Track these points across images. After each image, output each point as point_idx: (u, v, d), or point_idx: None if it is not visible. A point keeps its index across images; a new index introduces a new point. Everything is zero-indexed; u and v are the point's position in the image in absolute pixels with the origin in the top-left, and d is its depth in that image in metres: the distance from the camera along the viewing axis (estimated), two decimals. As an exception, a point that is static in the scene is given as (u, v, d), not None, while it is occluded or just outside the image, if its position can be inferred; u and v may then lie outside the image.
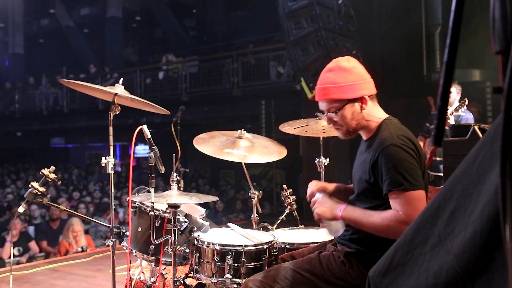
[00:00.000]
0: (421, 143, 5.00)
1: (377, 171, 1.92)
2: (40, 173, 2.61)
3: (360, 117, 2.02)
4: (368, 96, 2.01)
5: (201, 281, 2.56)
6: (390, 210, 1.87)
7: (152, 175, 2.46)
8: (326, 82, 2.02)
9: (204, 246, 2.48)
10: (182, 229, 2.52)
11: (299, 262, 2.12)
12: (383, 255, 1.92)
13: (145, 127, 2.48)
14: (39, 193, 2.58)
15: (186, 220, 2.59)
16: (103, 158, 2.58)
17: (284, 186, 3.16)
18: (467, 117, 4.58)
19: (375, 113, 2.04)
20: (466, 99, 4.45)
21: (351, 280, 1.99)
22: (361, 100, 2.00)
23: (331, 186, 2.26)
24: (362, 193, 2.04)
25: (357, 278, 1.98)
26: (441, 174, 4.71)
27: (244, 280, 2.27)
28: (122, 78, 2.80)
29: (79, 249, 6.22)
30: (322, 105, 2.07)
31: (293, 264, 2.13)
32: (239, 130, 2.98)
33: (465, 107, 4.50)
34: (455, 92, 4.77)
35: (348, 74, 1.99)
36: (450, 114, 4.47)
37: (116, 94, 2.62)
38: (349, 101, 1.99)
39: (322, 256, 2.10)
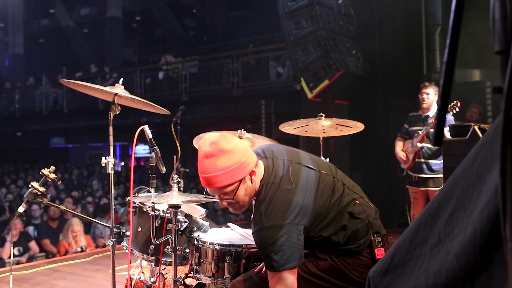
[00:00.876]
0: (400, 144, 4.95)
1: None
2: (40, 173, 2.61)
3: (252, 189, 2.00)
4: (255, 166, 1.99)
5: (201, 281, 2.56)
6: None
7: (153, 175, 2.47)
8: (212, 170, 1.93)
9: (204, 246, 2.48)
10: (182, 229, 2.53)
11: None
12: (352, 246, 1.98)
13: (146, 127, 2.48)
14: (39, 193, 2.58)
15: (186, 220, 2.59)
16: (103, 158, 2.58)
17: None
18: (449, 118, 4.55)
19: (259, 175, 2.02)
20: (457, 100, 4.41)
21: (336, 271, 2.02)
22: (251, 174, 1.97)
23: None
24: None
25: (340, 269, 2.01)
26: (424, 176, 4.73)
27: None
28: (122, 78, 2.80)
29: (78, 249, 6.22)
30: (214, 191, 2.02)
31: None
32: (239, 130, 2.98)
33: (457, 109, 4.47)
34: (432, 93, 4.78)
35: (232, 155, 1.93)
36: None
37: (116, 94, 2.62)
38: (241, 181, 1.96)
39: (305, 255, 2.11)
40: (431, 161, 4.72)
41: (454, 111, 4.47)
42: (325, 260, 2.04)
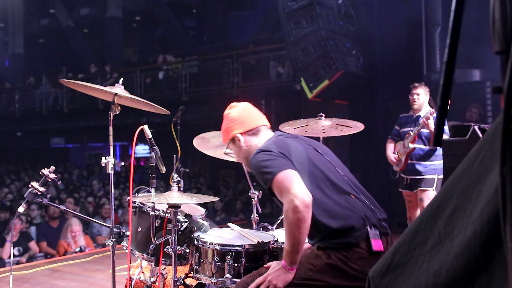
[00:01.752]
0: (391, 146, 4.86)
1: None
2: (40, 173, 2.61)
3: (244, 151, 2.31)
4: (242, 133, 2.29)
5: (201, 281, 2.56)
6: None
7: (153, 175, 2.47)
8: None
9: (204, 246, 2.48)
10: (182, 229, 2.53)
11: None
12: (350, 238, 1.99)
13: (146, 127, 2.49)
14: (39, 193, 2.58)
15: (186, 220, 2.59)
16: (103, 158, 2.58)
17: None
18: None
19: (257, 142, 2.28)
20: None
21: (332, 269, 2.01)
22: (236, 138, 2.30)
23: None
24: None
25: (337, 266, 2.00)
26: (417, 177, 4.61)
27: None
28: (122, 78, 2.80)
29: (77, 249, 6.22)
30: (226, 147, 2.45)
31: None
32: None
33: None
34: (423, 94, 4.71)
35: (225, 120, 2.37)
36: (431, 114, 4.35)
37: (116, 94, 2.62)
38: (229, 142, 2.37)
39: (301, 257, 2.08)
40: (423, 163, 4.62)
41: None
42: (320, 258, 2.02)
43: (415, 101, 4.72)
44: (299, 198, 1.90)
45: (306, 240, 2.11)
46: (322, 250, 2.05)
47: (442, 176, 4.37)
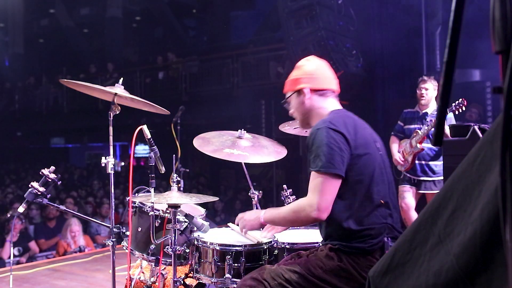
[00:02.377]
0: (396, 145, 4.54)
1: (307, 154, 2.09)
2: (40, 173, 2.61)
3: (304, 108, 2.23)
4: (313, 90, 2.20)
5: (201, 281, 2.56)
6: (298, 200, 2.05)
7: (152, 175, 2.47)
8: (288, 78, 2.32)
9: (204, 246, 2.48)
10: (182, 229, 2.53)
11: (291, 262, 2.14)
12: (365, 245, 1.98)
13: (145, 127, 2.48)
14: (39, 193, 2.58)
15: (186, 220, 2.59)
16: (103, 158, 2.58)
17: (284, 186, 3.16)
18: (450, 117, 4.25)
19: (323, 105, 2.21)
20: (463, 99, 4.10)
21: (342, 272, 2.00)
22: (302, 91, 2.20)
23: None
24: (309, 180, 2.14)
25: (347, 270, 1.99)
26: (426, 179, 4.40)
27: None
28: (122, 78, 2.80)
29: (76, 249, 6.22)
30: (286, 97, 2.34)
31: (285, 263, 2.14)
32: (239, 130, 2.98)
33: (464, 108, 4.14)
34: (432, 89, 4.39)
35: (297, 70, 2.28)
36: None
37: (116, 94, 2.62)
38: (292, 93, 2.26)
39: (310, 256, 2.11)
40: (431, 163, 4.37)
41: (460, 110, 4.14)
42: (332, 260, 2.02)
43: (423, 96, 4.40)
44: (320, 212, 1.94)
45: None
46: (334, 252, 2.04)
47: None
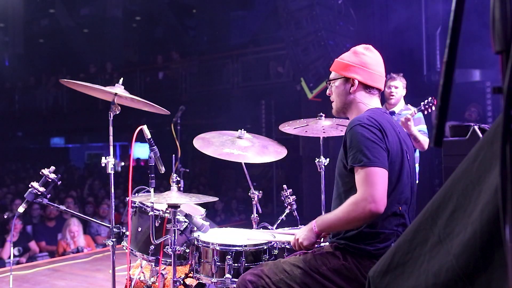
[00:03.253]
0: None
1: (346, 151, 2.01)
2: (40, 173, 2.61)
3: (347, 98, 2.15)
4: (363, 84, 2.13)
5: (201, 281, 2.56)
6: (349, 198, 1.93)
7: (152, 175, 2.47)
8: (340, 57, 2.22)
9: (204, 246, 2.48)
10: (182, 229, 2.53)
11: (296, 258, 2.14)
12: (371, 248, 1.97)
13: (145, 127, 2.49)
14: (39, 193, 2.58)
15: (186, 220, 2.59)
16: (103, 158, 2.58)
17: (284, 186, 3.16)
18: (418, 116, 4.07)
19: (366, 101, 2.15)
20: (433, 98, 3.92)
21: (346, 272, 2.00)
22: (352, 81, 2.13)
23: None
24: (339, 175, 2.10)
25: (351, 270, 1.99)
26: None
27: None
28: (122, 78, 2.80)
29: (75, 250, 6.21)
30: (331, 76, 2.25)
31: (290, 258, 2.15)
32: (239, 130, 2.98)
33: (433, 107, 3.95)
34: (401, 87, 4.20)
35: (353, 56, 2.16)
36: (411, 116, 3.86)
37: (116, 94, 2.62)
38: (342, 78, 2.16)
39: (316, 253, 2.11)
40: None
41: (430, 110, 3.95)
42: (338, 259, 2.01)
43: (392, 95, 4.19)
44: (377, 204, 1.84)
45: None
46: (340, 251, 2.03)
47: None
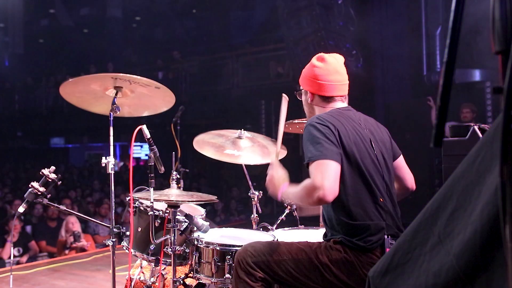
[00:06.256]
0: None
1: None
2: (40, 173, 2.61)
3: (309, 107, 2.34)
4: (320, 95, 2.26)
5: (201, 281, 2.56)
6: (305, 180, 2.02)
7: (152, 175, 2.47)
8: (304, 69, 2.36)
9: (204, 246, 2.48)
10: (182, 229, 2.53)
11: (300, 242, 2.18)
12: (364, 244, 2.00)
13: (144, 127, 2.48)
14: (39, 193, 2.58)
15: (186, 220, 2.59)
16: (103, 158, 2.58)
17: (284, 186, 3.15)
18: None
19: (326, 106, 2.27)
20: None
21: (348, 265, 2.03)
22: (308, 93, 2.31)
23: None
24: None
25: (352, 264, 2.02)
26: None
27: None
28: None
29: (72, 238, 6.17)
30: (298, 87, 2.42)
31: (299, 242, 2.18)
32: (239, 130, 2.98)
33: None
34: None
35: (308, 68, 2.31)
36: None
37: (116, 94, 2.61)
38: (302, 89, 2.37)
39: (322, 244, 2.14)
40: None
41: None
42: (339, 252, 2.05)
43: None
44: (326, 191, 1.90)
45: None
46: (339, 244, 2.07)
47: None
